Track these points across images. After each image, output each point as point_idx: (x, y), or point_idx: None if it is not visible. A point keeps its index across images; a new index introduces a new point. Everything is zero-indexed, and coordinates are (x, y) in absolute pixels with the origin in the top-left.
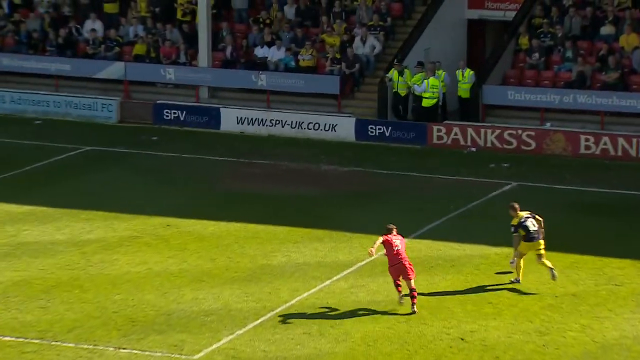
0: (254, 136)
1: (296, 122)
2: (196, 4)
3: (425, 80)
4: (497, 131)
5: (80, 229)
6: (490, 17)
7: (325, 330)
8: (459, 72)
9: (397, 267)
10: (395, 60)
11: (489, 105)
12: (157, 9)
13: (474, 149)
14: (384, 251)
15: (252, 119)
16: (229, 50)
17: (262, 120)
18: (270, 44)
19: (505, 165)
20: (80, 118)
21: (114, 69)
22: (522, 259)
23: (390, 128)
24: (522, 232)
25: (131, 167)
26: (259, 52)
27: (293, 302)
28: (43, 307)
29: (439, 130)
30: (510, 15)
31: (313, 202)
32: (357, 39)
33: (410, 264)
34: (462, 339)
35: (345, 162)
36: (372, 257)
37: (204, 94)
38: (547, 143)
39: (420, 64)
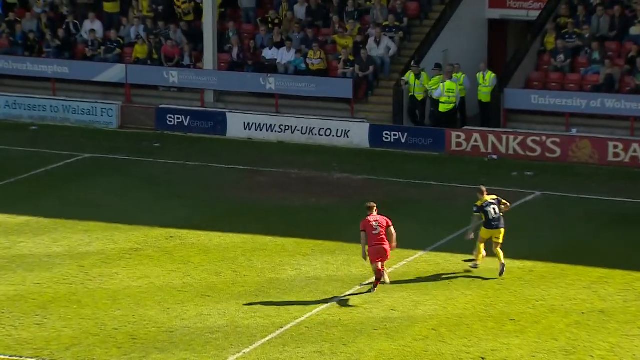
0: (262, 142)
1: (307, 128)
2: (195, 3)
3: (441, 84)
4: (520, 137)
5: (79, 241)
6: (512, 17)
7: (337, 348)
8: (479, 75)
9: (375, 249)
10: (412, 63)
11: (511, 110)
12: (159, 8)
13: (495, 157)
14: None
15: (260, 124)
16: (235, 51)
17: (270, 125)
18: (279, 45)
19: (529, 173)
20: (79, 123)
21: (115, 72)
22: (482, 244)
23: (406, 134)
24: (483, 217)
25: (132, 175)
26: (268, 53)
27: (303, 318)
28: (39, 323)
29: (458, 137)
30: (534, 14)
31: (324, 212)
32: (371, 40)
33: (389, 247)
34: (482, 359)
35: (359, 170)
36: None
37: (210, 98)
38: (573, 150)
39: (438, 66)
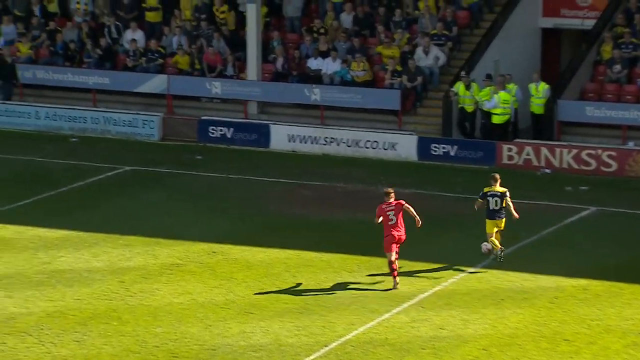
0: (307, 155)
1: (353, 140)
2: (238, 11)
3: (495, 95)
4: (574, 151)
5: (119, 256)
6: (566, 26)
7: None
8: (532, 86)
9: (389, 239)
10: (462, 73)
11: (565, 123)
12: (202, 16)
13: (548, 171)
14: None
15: (304, 136)
16: (280, 62)
17: (315, 138)
18: (324, 55)
19: (583, 188)
20: (120, 135)
21: (156, 83)
22: (493, 237)
23: (455, 147)
24: (485, 205)
25: (174, 188)
26: (313, 63)
27: (349, 336)
28: (79, 340)
29: (509, 150)
30: (589, 23)
31: (371, 227)
32: (420, 50)
33: (404, 233)
34: None
35: (406, 183)
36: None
37: (253, 109)
38: (629, 164)
39: (489, 76)
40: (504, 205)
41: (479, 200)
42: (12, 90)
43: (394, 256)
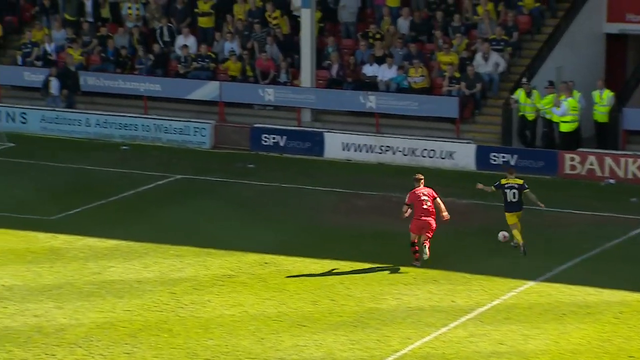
0: (362, 164)
1: (409, 149)
2: (292, 16)
3: (565, 102)
4: None
5: (170, 266)
6: (632, 31)
7: None
8: (596, 94)
9: (421, 223)
10: (522, 80)
11: (631, 131)
12: (255, 20)
13: (612, 181)
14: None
15: (359, 145)
16: (334, 68)
17: (370, 146)
18: (380, 62)
19: None
20: (171, 143)
21: (208, 89)
22: (515, 230)
23: (515, 156)
24: (502, 195)
25: (226, 197)
26: (368, 70)
27: (405, 351)
28: (129, 352)
29: (572, 159)
30: None
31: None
32: (479, 56)
33: (434, 221)
34: None
35: (464, 193)
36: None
37: (307, 117)
38: None
39: (551, 84)
40: (528, 198)
41: (493, 188)
42: (75, 99)
43: (417, 238)
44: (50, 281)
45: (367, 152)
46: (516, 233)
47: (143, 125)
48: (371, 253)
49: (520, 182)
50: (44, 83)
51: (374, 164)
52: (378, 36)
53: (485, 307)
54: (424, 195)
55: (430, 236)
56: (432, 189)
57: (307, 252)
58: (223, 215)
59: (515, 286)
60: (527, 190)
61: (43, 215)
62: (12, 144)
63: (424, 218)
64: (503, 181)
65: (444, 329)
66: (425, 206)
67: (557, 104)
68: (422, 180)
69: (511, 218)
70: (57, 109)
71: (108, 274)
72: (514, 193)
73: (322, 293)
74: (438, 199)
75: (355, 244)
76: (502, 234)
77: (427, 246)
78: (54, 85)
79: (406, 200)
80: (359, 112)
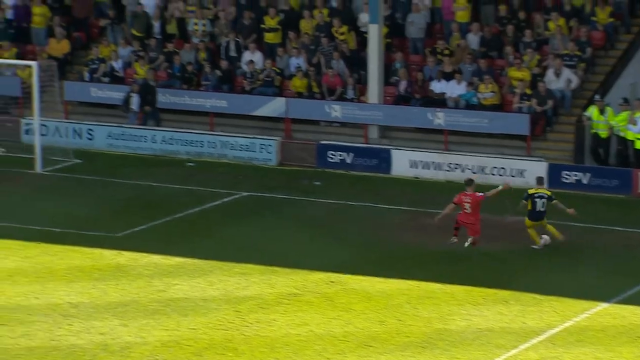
0: (430, 182)
1: (478, 167)
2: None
3: None
4: None
5: (235, 285)
6: None
7: None
8: None
9: (460, 217)
10: (596, 97)
11: None
12: (322, 35)
13: None
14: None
15: (427, 162)
16: (402, 84)
17: (438, 164)
18: (448, 78)
19: None
20: (237, 160)
21: (274, 106)
22: (531, 230)
23: (588, 175)
24: (529, 206)
25: (291, 215)
26: (436, 86)
27: None
28: None
29: None
30: None
31: (497, 258)
32: (551, 72)
33: (474, 227)
34: None
35: None
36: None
37: (374, 133)
38: None
39: (626, 100)
40: (551, 201)
41: (523, 201)
42: (159, 115)
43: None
44: (115, 298)
45: (435, 169)
46: (533, 233)
47: (209, 141)
48: (439, 272)
49: (549, 192)
50: (125, 99)
51: (442, 182)
52: (447, 52)
53: (556, 329)
54: (467, 201)
55: (473, 235)
56: (482, 195)
57: (374, 270)
58: (288, 232)
59: (587, 307)
60: (555, 200)
61: (109, 232)
62: (79, 160)
63: (462, 219)
64: (531, 191)
65: (514, 351)
66: (465, 211)
67: (632, 121)
68: (473, 186)
69: (532, 225)
70: (133, 125)
71: (173, 292)
72: (543, 202)
73: (388, 313)
74: (483, 195)
75: (422, 263)
76: (544, 238)
77: (470, 241)
78: (135, 101)
79: (453, 201)
80: (427, 129)
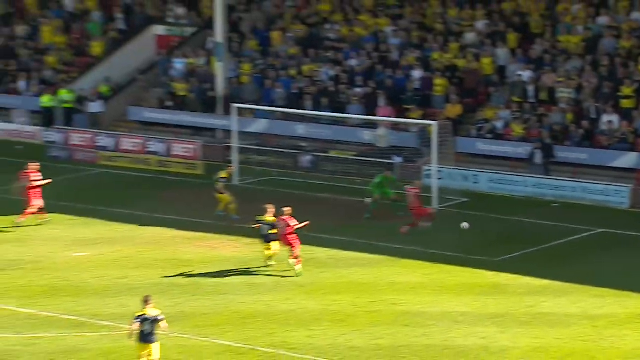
0: None
1: None
2: None
3: None
4: None
5: (592, 304)
6: None
7: None
8: None
9: None
10: None
11: None
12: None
13: None
14: None
15: None
16: None
17: None
18: None
19: None
20: (594, 202)
21: (628, 159)
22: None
23: None
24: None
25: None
26: None
27: None
28: None
29: None
30: None
31: None
32: None
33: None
34: None
35: None
36: None
37: None
38: None
39: None
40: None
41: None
42: (549, 167)
43: None
44: (494, 310)
45: None
46: None
47: (571, 187)
48: None
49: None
50: (530, 154)
51: None
52: None
53: None
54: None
55: None
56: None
57: None
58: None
59: None
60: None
61: (489, 257)
62: (466, 199)
63: None
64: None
65: None
66: None
67: None
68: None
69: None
70: (510, 172)
71: (541, 308)
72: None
73: None
74: None
75: None
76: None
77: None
78: (537, 155)
79: None
80: None
